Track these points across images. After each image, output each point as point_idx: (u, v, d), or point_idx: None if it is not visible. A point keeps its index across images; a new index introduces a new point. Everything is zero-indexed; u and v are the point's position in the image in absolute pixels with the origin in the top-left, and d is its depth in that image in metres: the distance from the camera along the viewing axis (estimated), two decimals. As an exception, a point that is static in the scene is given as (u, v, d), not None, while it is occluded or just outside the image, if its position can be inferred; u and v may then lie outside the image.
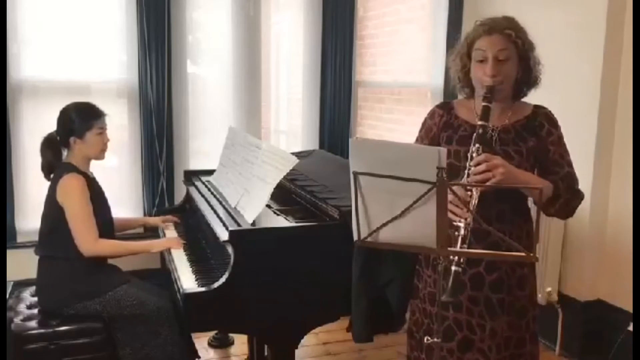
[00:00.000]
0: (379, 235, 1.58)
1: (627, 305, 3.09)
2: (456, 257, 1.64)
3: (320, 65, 3.82)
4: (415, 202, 1.48)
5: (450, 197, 1.64)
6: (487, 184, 1.67)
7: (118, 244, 2.53)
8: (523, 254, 1.49)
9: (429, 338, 1.77)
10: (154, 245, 2.62)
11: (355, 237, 1.63)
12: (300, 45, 3.87)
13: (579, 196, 1.85)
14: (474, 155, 1.72)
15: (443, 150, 1.46)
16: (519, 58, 1.80)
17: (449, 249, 1.55)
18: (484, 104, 1.76)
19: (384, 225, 1.55)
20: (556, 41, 3.37)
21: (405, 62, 4.55)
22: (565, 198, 1.80)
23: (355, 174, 1.53)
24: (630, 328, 3.03)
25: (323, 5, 3.77)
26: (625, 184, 3.11)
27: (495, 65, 1.77)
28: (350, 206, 1.59)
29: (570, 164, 1.86)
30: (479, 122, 1.75)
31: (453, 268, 1.64)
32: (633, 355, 2.31)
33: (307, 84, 3.88)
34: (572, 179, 1.84)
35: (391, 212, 1.53)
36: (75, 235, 2.39)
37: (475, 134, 1.75)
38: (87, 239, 2.39)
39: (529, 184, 1.73)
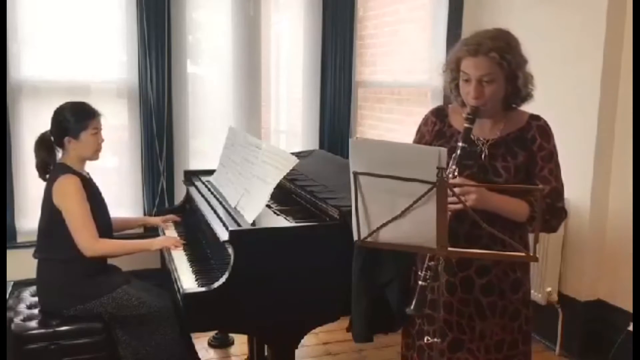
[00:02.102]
0: (379, 235, 1.58)
1: (627, 305, 3.09)
2: (422, 272, 1.68)
3: (320, 65, 3.82)
4: (415, 202, 1.48)
5: None
6: (457, 207, 1.66)
7: (118, 243, 2.53)
8: (523, 254, 1.49)
9: (429, 338, 1.77)
10: (154, 243, 2.61)
11: (355, 237, 1.63)
12: (300, 45, 3.87)
13: (560, 215, 1.83)
14: (450, 176, 1.71)
15: (443, 150, 1.46)
16: (505, 77, 1.76)
17: (449, 249, 1.55)
18: (466, 125, 1.75)
19: (384, 225, 1.55)
20: (556, 41, 3.37)
21: (405, 62, 4.55)
22: (543, 219, 1.77)
23: (355, 174, 1.54)
24: (630, 328, 3.03)
25: (323, 5, 3.76)
26: (625, 184, 3.11)
27: (478, 87, 1.74)
28: (350, 206, 1.59)
29: (558, 179, 1.83)
30: (460, 144, 1.74)
31: (420, 283, 1.68)
32: (633, 355, 2.31)
33: (307, 84, 3.88)
34: (556, 195, 1.81)
35: (391, 212, 1.53)
36: (75, 236, 2.38)
37: (454, 154, 1.74)
38: (87, 240, 2.39)
39: (500, 210, 1.73)
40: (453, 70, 1.85)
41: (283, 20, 4.31)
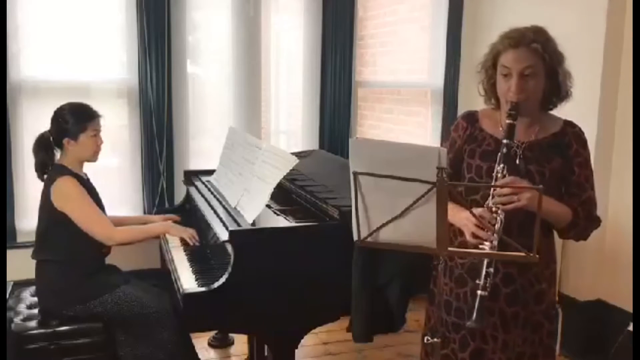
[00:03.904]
0: (379, 235, 1.58)
1: (627, 305, 3.09)
2: (482, 281, 1.65)
3: (320, 65, 3.82)
4: (415, 202, 1.48)
5: (474, 220, 1.65)
6: (510, 207, 1.64)
7: (136, 228, 2.55)
8: (523, 254, 1.49)
9: (429, 338, 1.76)
10: (172, 228, 2.61)
11: (355, 237, 1.62)
12: (300, 45, 3.87)
13: (595, 223, 1.82)
14: (499, 175, 1.69)
15: (443, 150, 1.45)
16: (546, 72, 1.73)
17: (449, 249, 1.55)
18: (508, 121, 1.71)
19: (384, 225, 1.55)
20: (556, 41, 3.37)
21: (405, 62, 4.55)
22: (583, 225, 1.78)
23: (355, 174, 1.53)
24: (630, 328, 3.03)
25: (323, 5, 3.77)
26: (625, 184, 3.11)
27: (520, 81, 1.70)
28: (350, 206, 1.58)
29: (592, 187, 1.82)
30: (504, 141, 1.71)
31: (479, 292, 1.64)
32: (633, 355, 2.31)
33: (307, 84, 3.88)
34: (592, 203, 1.81)
35: (391, 212, 1.53)
36: (91, 231, 2.39)
37: (500, 153, 1.71)
38: (105, 231, 2.40)
39: (548, 213, 1.69)
40: (489, 68, 1.80)
41: (283, 21, 4.31)
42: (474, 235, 1.67)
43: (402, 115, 4.70)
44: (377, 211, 1.56)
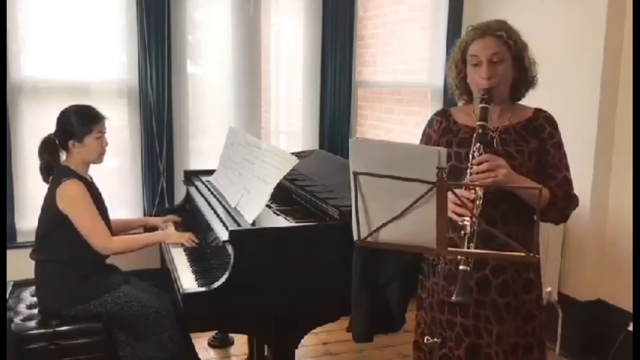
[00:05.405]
0: (379, 235, 1.58)
1: (627, 305, 3.09)
2: (463, 257, 1.64)
3: (320, 65, 3.82)
4: (415, 202, 1.48)
5: (452, 196, 1.65)
6: (488, 181, 1.67)
7: (132, 238, 2.57)
8: (523, 253, 1.49)
9: (429, 338, 1.76)
10: (170, 236, 2.63)
11: (355, 237, 1.62)
12: (300, 45, 3.87)
13: (573, 203, 1.85)
14: (475, 154, 1.72)
15: (443, 150, 1.45)
16: (513, 59, 1.81)
17: (448, 249, 1.55)
18: (481, 105, 1.77)
19: (384, 225, 1.55)
20: (556, 41, 3.37)
21: (405, 62, 4.55)
22: (561, 205, 1.80)
23: (355, 174, 1.53)
24: (630, 328, 3.03)
25: (323, 5, 3.77)
26: (625, 184, 3.11)
27: (489, 67, 1.78)
28: (350, 206, 1.58)
29: (567, 168, 1.86)
30: (478, 122, 1.75)
31: (461, 267, 1.63)
32: (633, 355, 2.31)
33: (307, 84, 3.88)
34: (568, 184, 1.84)
35: (391, 212, 1.53)
36: (89, 238, 2.40)
37: (475, 134, 1.75)
38: (101, 240, 2.41)
39: (527, 193, 1.71)
40: (458, 61, 1.87)
41: (283, 21, 4.31)
42: (455, 213, 1.69)
43: (402, 115, 4.71)
44: (377, 211, 1.55)
